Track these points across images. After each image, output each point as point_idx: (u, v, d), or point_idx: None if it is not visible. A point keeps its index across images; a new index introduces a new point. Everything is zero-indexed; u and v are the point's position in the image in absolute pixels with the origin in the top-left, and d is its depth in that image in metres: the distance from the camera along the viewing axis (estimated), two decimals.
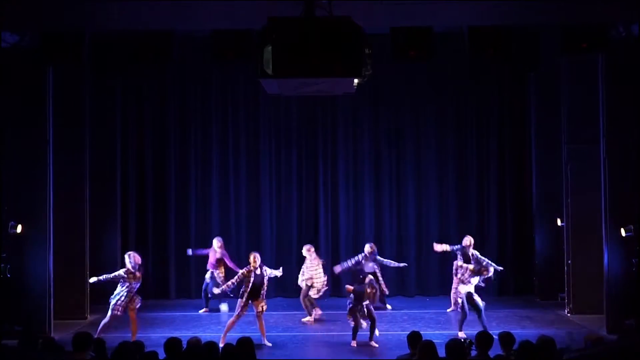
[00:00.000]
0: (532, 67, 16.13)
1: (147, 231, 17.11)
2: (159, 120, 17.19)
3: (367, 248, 14.86)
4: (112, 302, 12.11)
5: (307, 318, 14.39)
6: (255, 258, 12.47)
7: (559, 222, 15.41)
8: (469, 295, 12.56)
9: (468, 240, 14.08)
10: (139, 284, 12.31)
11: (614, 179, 12.93)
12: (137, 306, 12.30)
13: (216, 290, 13.55)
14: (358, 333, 12.35)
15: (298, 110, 17.23)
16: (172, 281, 17.06)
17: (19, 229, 12.80)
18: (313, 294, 14.44)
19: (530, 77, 16.49)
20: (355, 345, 12.23)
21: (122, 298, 12.11)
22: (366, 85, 9.09)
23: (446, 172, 17.29)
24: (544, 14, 11.88)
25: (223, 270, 15.16)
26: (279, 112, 17.28)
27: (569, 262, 14.66)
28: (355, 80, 8.58)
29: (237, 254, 16.70)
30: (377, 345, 12.26)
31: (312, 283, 14.42)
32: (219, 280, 14.84)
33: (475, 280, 12.70)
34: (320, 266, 14.55)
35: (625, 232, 12.68)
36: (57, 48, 11.99)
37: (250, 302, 12.35)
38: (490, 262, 13.36)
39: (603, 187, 13.07)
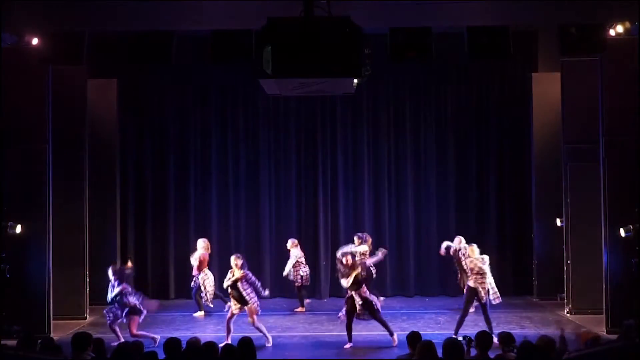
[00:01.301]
0: (532, 67, 16.21)
1: (147, 231, 17.12)
2: (158, 120, 17.21)
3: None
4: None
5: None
6: (236, 259, 12.42)
7: (558, 222, 15.40)
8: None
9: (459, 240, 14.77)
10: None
11: (614, 179, 12.93)
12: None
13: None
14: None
15: (297, 111, 17.24)
16: (171, 281, 17.07)
17: (18, 229, 12.80)
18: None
19: (530, 77, 16.49)
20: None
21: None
22: (365, 85, 9.09)
23: (446, 171, 17.30)
24: (544, 14, 11.88)
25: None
26: (278, 113, 17.29)
27: (569, 262, 14.66)
28: (355, 81, 8.58)
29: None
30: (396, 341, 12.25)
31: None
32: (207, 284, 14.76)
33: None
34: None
35: (625, 232, 12.68)
36: (57, 48, 12.00)
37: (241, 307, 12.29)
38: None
39: (602, 187, 13.07)
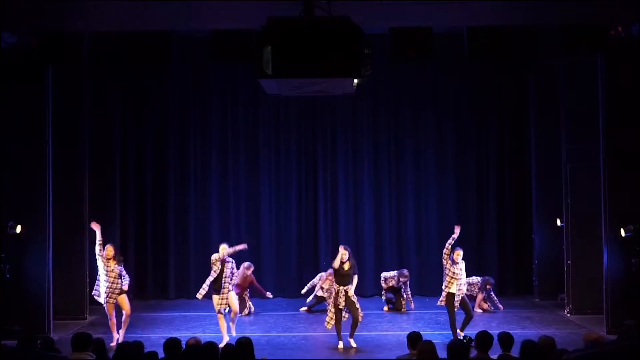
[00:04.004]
0: (531, 68, 16.20)
1: (147, 231, 17.12)
2: (159, 120, 17.20)
3: None
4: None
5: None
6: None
7: (558, 223, 15.41)
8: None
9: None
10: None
11: (614, 179, 12.92)
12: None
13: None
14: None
15: (298, 111, 17.24)
16: (172, 281, 17.07)
17: (19, 229, 12.80)
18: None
19: (530, 77, 16.49)
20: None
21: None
22: (365, 85, 9.07)
23: (445, 171, 17.30)
24: (544, 14, 11.87)
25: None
26: (278, 113, 17.29)
27: (569, 262, 14.66)
28: (355, 81, 8.57)
29: (237, 254, 16.68)
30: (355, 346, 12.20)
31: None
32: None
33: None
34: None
35: (625, 232, 12.68)
36: (56, 48, 12.00)
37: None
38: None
39: (603, 187, 13.07)
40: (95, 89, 15.55)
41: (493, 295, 15.42)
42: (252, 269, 15.01)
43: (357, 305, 12.18)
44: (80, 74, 14.62)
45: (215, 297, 12.21)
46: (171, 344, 7.70)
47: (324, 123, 17.34)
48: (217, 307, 12.23)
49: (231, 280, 12.28)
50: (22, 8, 11.68)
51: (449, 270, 12.29)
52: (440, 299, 12.39)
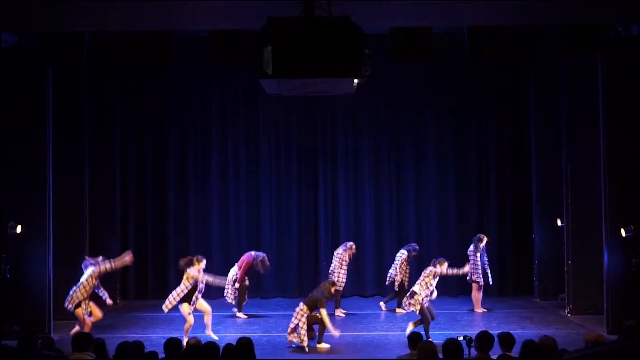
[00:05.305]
0: (531, 68, 16.21)
1: (147, 232, 17.12)
2: (159, 120, 17.20)
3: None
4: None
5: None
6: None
7: (558, 223, 15.41)
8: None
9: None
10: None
11: (614, 179, 12.91)
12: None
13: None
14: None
15: (298, 111, 17.24)
16: (171, 282, 17.01)
17: (19, 229, 12.79)
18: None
19: (530, 77, 16.50)
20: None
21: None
22: (366, 85, 9.08)
23: (446, 171, 17.30)
24: (544, 14, 11.87)
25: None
26: (279, 113, 17.29)
27: (569, 262, 14.65)
28: (355, 81, 8.58)
29: (237, 254, 16.69)
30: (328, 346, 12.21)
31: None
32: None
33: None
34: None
35: (625, 232, 12.67)
36: (56, 48, 12.01)
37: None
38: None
39: (603, 187, 13.07)
40: (95, 89, 15.53)
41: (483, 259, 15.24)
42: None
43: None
44: (80, 74, 14.61)
45: (185, 305, 12.46)
46: (171, 344, 7.71)
47: (324, 123, 17.34)
48: (186, 313, 12.49)
49: (201, 294, 12.61)
50: (22, 8, 11.67)
51: (427, 279, 12.29)
52: (413, 306, 12.28)
